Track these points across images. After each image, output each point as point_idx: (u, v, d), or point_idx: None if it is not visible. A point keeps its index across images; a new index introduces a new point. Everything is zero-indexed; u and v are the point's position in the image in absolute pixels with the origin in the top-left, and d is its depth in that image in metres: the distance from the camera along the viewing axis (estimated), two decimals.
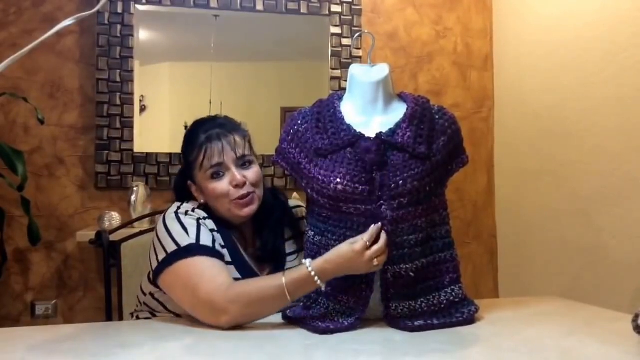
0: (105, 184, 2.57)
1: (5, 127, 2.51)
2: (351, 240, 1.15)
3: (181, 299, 1.21)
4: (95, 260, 2.53)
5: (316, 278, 1.13)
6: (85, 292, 2.55)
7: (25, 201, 2.19)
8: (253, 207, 1.31)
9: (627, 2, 2.10)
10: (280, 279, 1.14)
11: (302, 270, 1.15)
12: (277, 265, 1.35)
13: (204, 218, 1.30)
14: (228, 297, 1.14)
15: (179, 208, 1.30)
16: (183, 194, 1.37)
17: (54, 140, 2.55)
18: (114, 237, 1.62)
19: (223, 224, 1.32)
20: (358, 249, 1.12)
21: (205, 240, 1.23)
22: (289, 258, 1.38)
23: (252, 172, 1.32)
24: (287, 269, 1.32)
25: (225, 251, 1.28)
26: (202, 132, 1.31)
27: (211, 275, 1.17)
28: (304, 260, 1.17)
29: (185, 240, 1.22)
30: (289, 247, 1.40)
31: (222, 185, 1.29)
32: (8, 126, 2.51)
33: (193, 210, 1.30)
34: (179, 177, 1.40)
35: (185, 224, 1.25)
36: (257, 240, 1.37)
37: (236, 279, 1.23)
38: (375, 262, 1.12)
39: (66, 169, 2.56)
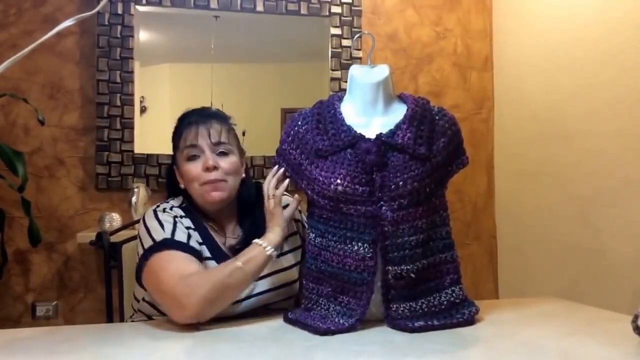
0: (105, 185, 2.57)
1: (5, 128, 2.51)
2: None
3: (155, 294, 1.23)
4: (96, 262, 2.53)
5: (261, 242, 1.21)
6: (85, 293, 2.55)
7: (25, 202, 2.19)
8: (222, 194, 1.31)
9: (625, 4, 2.11)
10: (236, 260, 1.19)
11: (254, 247, 1.21)
12: None
13: (181, 217, 1.31)
14: (184, 288, 1.14)
15: (157, 206, 1.33)
16: (172, 184, 1.39)
17: (54, 141, 2.55)
18: (114, 239, 1.63)
19: (200, 220, 1.33)
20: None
21: (181, 236, 1.24)
22: None
23: (227, 161, 1.32)
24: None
25: (203, 247, 1.29)
26: (187, 118, 1.35)
27: (176, 268, 1.17)
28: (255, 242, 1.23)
29: (160, 235, 1.24)
30: None
31: (195, 167, 1.30)
32: (8, 127, 2.52)
33: (171, 209, 1.32)
34: (169, 166, 1.43)
35: (162, 220, 1.27)
36: (238, 232, 1.38)
37: None
38: (272, 192, 1.27)
39: (66, 170, 2.57)
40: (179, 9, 2.68)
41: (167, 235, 1.24)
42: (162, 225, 1.26)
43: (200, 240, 1.30)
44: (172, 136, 1.38)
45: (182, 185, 1.35)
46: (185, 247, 1.22)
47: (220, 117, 1.37)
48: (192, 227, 1.30)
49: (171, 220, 1.28)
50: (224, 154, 1.32)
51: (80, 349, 1.08)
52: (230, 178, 1.32)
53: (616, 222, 2.14)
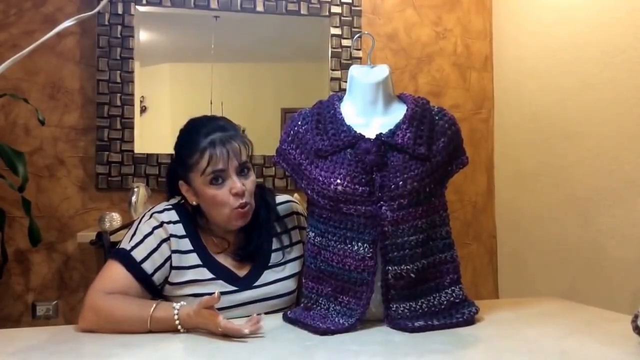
0: (105, 185, 2.57)
1: (5, 128, 2.51)
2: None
3: None
4: (96, 261, 2.52)
5: (178, 323, 1.14)
6: (86, 292, 2.54)
7: (25, 202, 2.19)
8: (247, 219, 1.31)
9: (625, 4, 2.11)
10: (149, 310, 1.15)
11: (170, 311, 1.15)
12: (260, 263, 1.34)
13: (175, 222, 1.30)
14: (94, 302, 1.19)
15: (153, 208, 1.33)
16: (174, 189, 1.37)
17: (55, 141, 2.56)
18: (114, 238, 1.63)
19: (198, 225, 1.32)
20: (216, 321, 1.10)
21: (140, 252, 1.24)
22: (273, 254, 1.36)
23: (250, 182, 1.30)
24: (270, 265, 1.34)
25: (193, 255, 1.29)
26: (204, 134, 1.27)
27: (107, 280, 1.22)
28: (175, 305, 1.16)
29: (125, 242, 1.27)
30: (274, 244, 1.38)
31: (223, 193, 1.26)
32: (9, 127, 2.52)
33: (162, 212, 1.31)
34: (170, 172, 1.39)
35: (138, 230, 1.28)
36: (241, 239, 1.36)
37: (211, 279, 1.27)
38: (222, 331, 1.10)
39: (67, 169, 2.57)
40: (179, 9, 2.68)
41: (127, 246, 1.25)
42: (134, 234, 1.27)
43: (191, 248, 1.29)
44: (186, 151, 1.29)
45: (193, 203, 1.31)
46: (132, 266, 1.23)
47: (235, 131, 1.32)
48: (185, 233, 1.30)
49: (148, 230, 1.27)
50: (245, 172, 1.30)
51: (81, 349, 1.08)
52: (252, 198, 1.31)
53: (616, 222, 2.14)
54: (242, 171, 1.29)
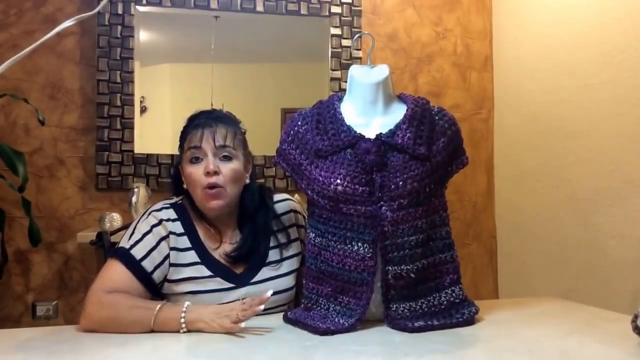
0: (105, 185, 2.57)
1: (5, 128, 2.51)
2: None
3: None
4: (96, 261, 2.52)
5: (184, 314, 1.13)
6: (86, 293, 2.53)
7: (25, 202, 2.19)
8: (220, 202, 1.30)
9: (625, 5, 2.11)
10: (155, 305, 1.15)
11: (177, 312, 1.15)
12: (257, 260, 1.34)
13: (173, 220, 1.31)
14: (97, 299, 1.19)
15: (151, 207, 1.34)
16: (176, 184, 1.39)
17: (55, 141, 2.56)
18: (114, 238, 1.63)
19: (196, 222, 1.33)
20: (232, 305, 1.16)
21: (140, 250, 1.25)
22: (271, 252, 1.37)
23: (228, 168, 1.30)
24: (268, 261, 1.34)
25: (192, 252, 1.30)
26: (195, 120, 1.34)
27: (107, 279, 1.22)
28: (187, 303, 1.16)
29: (124, 241, 1.28)
30: (271, 241, 1.38)
31: (197, 171, 1.29)
32: (9, 127, 2.52)
33: (161, 210, 1.32)
34: (175, 165, 1.42)
35: (137, 228, 1.29)
36: (237, 237, 1.36)
37: (208, 277, 1.28)
38: (233, 317, 1.11)
39: (67, 169, 2.57)
40: (179, 9, 2.68)
41: (127, 245, 1.26)
42: (132, 232, 1.28)
43: (189, 245, 1.30)
44: (180, 136, 1.37)
45: (185, 186, 1.34)
46: (132, 264, 1.23)
47: (228, 121, 1.35)
48: (183, 231, 1.31)
49: (146, 229, 1.28)
50: (227, 158, 1.31)
51: (80, 349, 1.08)
52: (229, 186, 1.30)
53: (616, 222, 2.14)
54: (222, 155, 1.31)
